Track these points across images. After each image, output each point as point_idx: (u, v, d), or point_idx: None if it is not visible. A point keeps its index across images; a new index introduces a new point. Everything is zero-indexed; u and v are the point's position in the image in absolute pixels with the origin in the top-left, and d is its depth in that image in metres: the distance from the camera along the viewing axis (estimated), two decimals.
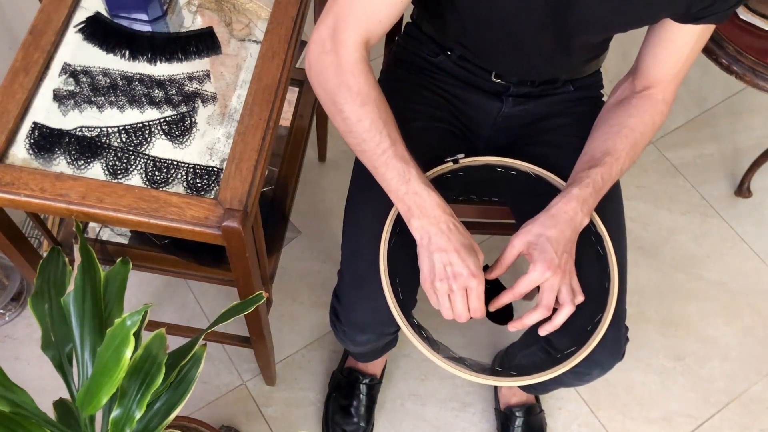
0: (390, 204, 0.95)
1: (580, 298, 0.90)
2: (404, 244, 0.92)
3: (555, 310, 0.89)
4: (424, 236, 0.86)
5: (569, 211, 0.90)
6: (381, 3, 0.85)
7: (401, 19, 1.28)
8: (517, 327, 0.89)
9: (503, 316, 0.92)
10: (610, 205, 1.02)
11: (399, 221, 0.94)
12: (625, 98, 1.00)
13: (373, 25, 0.86)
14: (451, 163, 1.00)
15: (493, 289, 0.92)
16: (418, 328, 0.90)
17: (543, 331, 0.90)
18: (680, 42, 0.93)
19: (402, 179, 0.86)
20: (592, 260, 0.98)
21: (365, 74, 0.86)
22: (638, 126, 0.96)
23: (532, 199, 0.99)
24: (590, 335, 0.90)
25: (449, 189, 0.99)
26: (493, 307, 0.91)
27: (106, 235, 1.14)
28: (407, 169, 0.86)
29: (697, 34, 0.91)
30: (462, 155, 1.01)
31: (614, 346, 0.99)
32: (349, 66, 0.85)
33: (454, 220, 0.87)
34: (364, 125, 0.86)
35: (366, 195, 1.03)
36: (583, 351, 0.89)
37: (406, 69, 1.13)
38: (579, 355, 0.88)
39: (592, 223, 0.98)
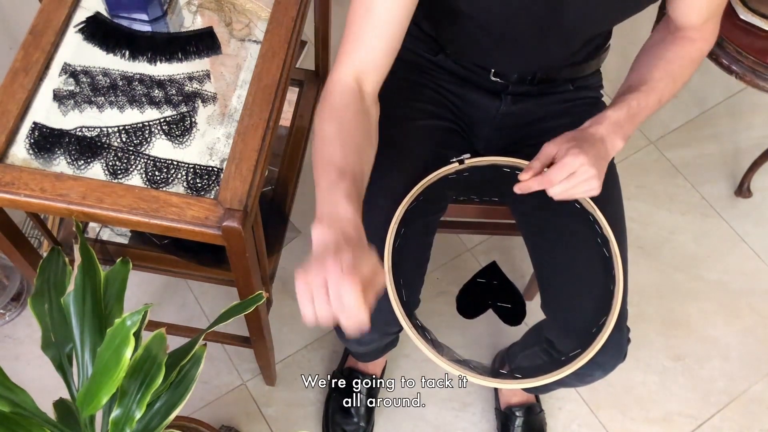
0: (395, 206, 0.95)
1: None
2: (408, 245, 0.92)
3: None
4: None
5: (601, 130, 0.90)
6: (370, 30, 0.85)
7: None
8: (524, 181, 0.89)
9: (515, 316, 0.92)
10: (611, 205, 1.02)
11: (403, 223, 0.94)
12: (661, 38, 1.00)
13: (364, 54, 0.86)
14: (457, 164, 1.00)
15: (505, 289, 0.91)
16: (421, 330, 0.89)
17: (518, 187, 0.89)
18: None
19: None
20: (596, 262, 0.98)
21: (340, 95, 0.85)
22: (675, 59, 0.97)
23: (532, 200, 0.99)
24: (593, 337, 0.90)
25: (450, 189, 0.99)
26: (519, 188, 0.90)
27: (106, 235, 1.14)
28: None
29: None
30: (468, 155, 1.00)
31: (616, 348, 0.99)
32: (330, 87, 0.86)
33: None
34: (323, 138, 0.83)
35: (370, 197, 1.03)
36: (588, 353, 0.88)
37: (407, 68, 1.13)
38: (583, 358, 0.88)
39: (597, 225, 0.97)
